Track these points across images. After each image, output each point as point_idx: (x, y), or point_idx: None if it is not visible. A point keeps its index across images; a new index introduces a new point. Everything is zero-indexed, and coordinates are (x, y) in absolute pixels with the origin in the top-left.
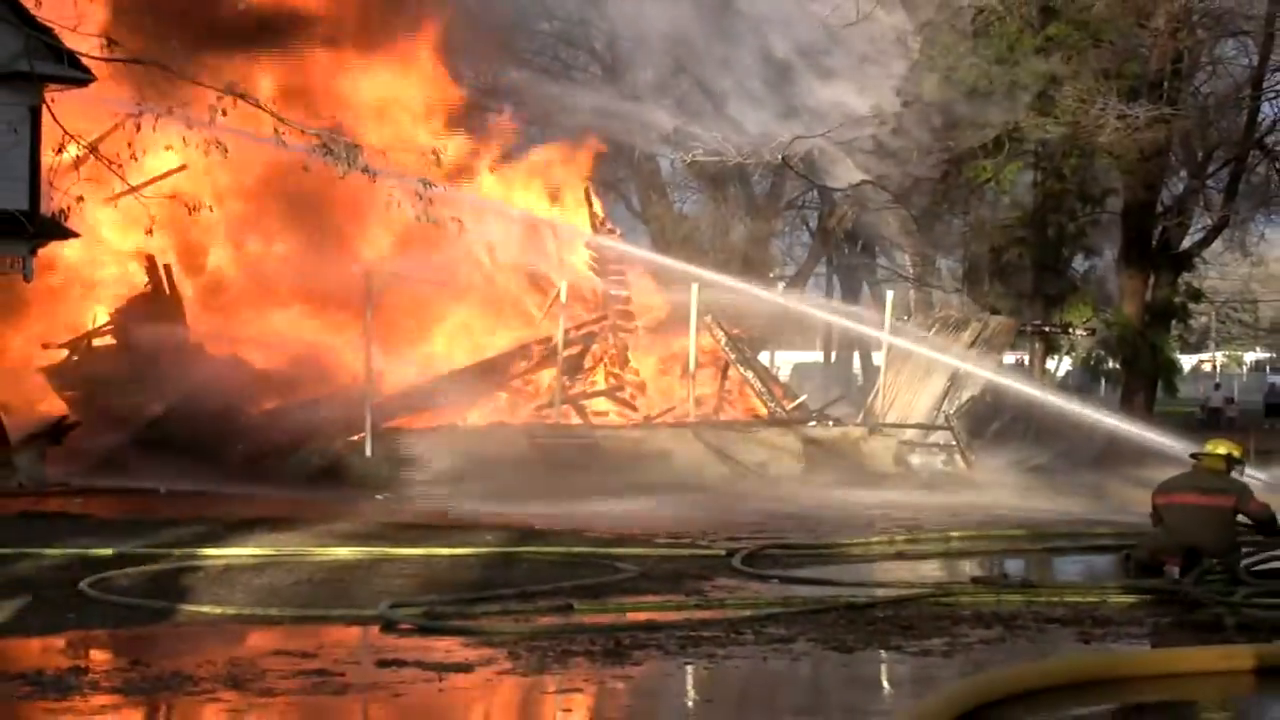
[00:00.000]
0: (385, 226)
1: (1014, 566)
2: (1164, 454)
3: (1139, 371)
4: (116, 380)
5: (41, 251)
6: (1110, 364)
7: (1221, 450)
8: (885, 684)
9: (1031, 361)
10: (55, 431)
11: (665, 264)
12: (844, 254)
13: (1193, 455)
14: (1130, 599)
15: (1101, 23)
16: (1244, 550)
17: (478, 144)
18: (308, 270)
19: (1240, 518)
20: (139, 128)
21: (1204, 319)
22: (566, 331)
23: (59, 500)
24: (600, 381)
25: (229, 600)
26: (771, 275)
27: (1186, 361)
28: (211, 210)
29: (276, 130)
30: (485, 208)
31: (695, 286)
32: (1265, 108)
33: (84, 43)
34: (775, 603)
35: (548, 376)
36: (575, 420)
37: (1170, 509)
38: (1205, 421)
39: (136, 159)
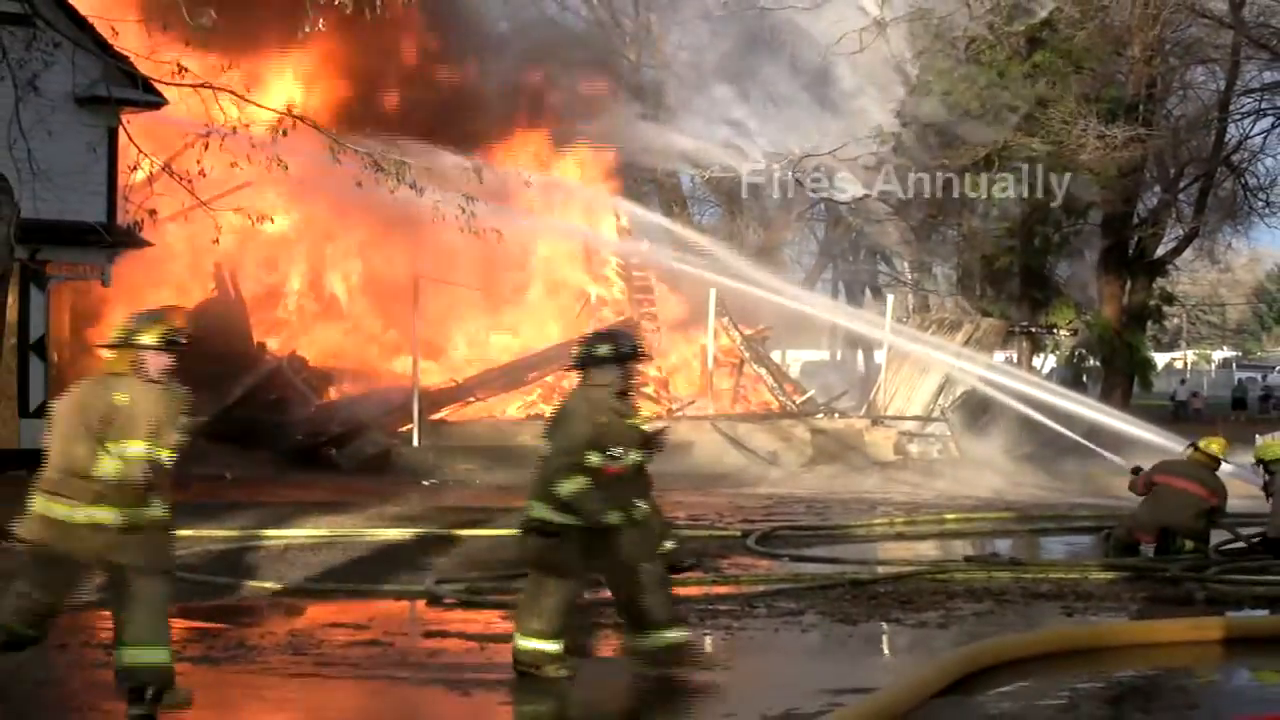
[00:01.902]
0: (434, 235)
1: (1003, 546)
2: (1142, 442)
3: (1117, 368)
4: (186, 377)
5: (118, 259)
6: (1091, 362)
7: (1214, 448)
8: (885, 652)
9: (1019, 359)
10: None
11: (686, 270)
12: (848, 261)
13: (1191, 445)
14: (1109, 575)
15: (1083, 51)
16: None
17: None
18: (365, 276)
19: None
20: (206, 146)
21: (1176, 320)
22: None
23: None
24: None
25: (289, 577)
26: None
27: (1160, 359)
28: (273, 222)
29: (332, 149)
30: (523, 220)
31: (713, 291)
32: (1231, 129)
33: (157, 69)
34: (786, 579)
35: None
36: None
37: (1164, 488)
38: (1174, 414)
39: (205, 175)
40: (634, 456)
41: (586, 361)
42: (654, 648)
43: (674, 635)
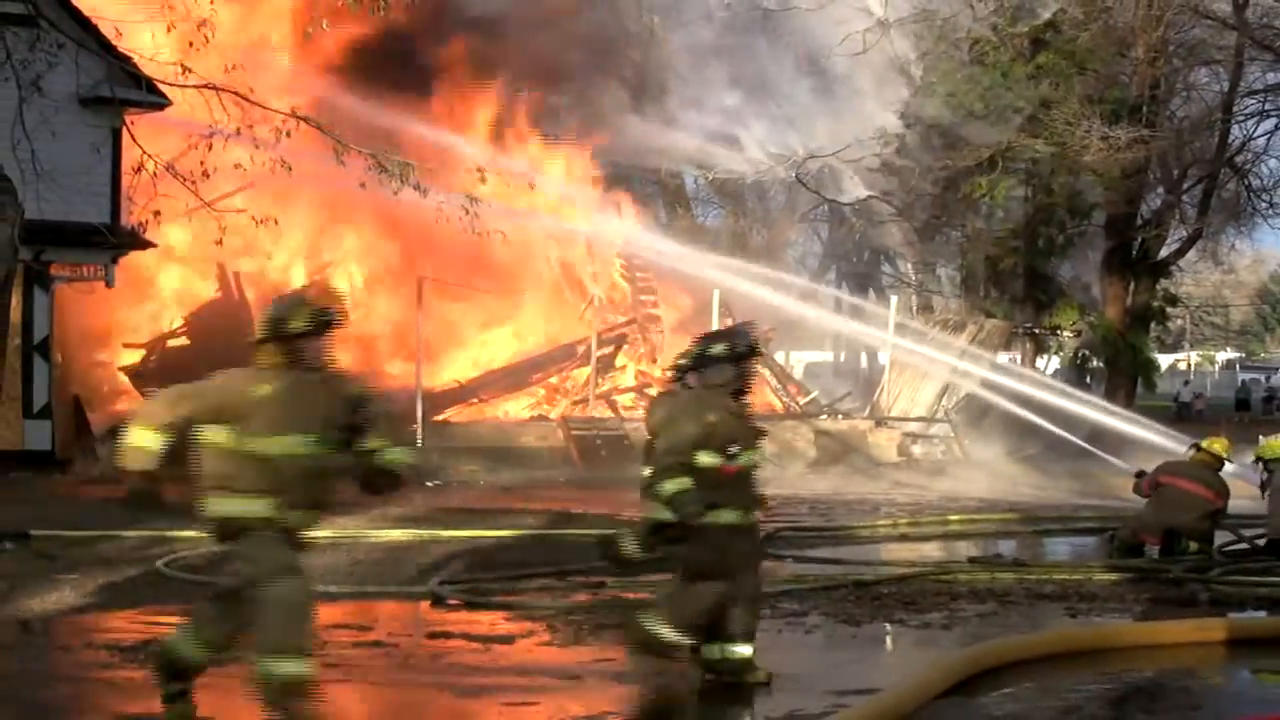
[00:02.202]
0: (440, 236)
1: (1007, 547)
2: (1148, 443)
3: (1120, 370)
4: (190, 378)
5: (121, 260)
6: (1095, 363)
7: (1217, 448)
8: (889, 653)
9: (1023, 361)
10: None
11: (689, 272)
12: (852, 262)
13: (1194, 446)
14: (1113, 576)
15: (1086, 53)
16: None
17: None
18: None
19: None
20: (210, 147)
21: (1179, 322)
22: (599, 333)
23: None
24: (630, 378)
25: None
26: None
27: (1164, 360)
28: (276, 223)
29: (336, 151)
30: (528, 221)
31: (716, 292)
32: (1235, 130)
33: (161, 70)
34: (790, 580)
35: (583, 374)
36: (607, 414)
37: (1169, 488)
38: (1177, 415)
39: (208, 176)
40: (750, 456)
41: (701, 361)
42: (721, 659)
43: (744, 651)
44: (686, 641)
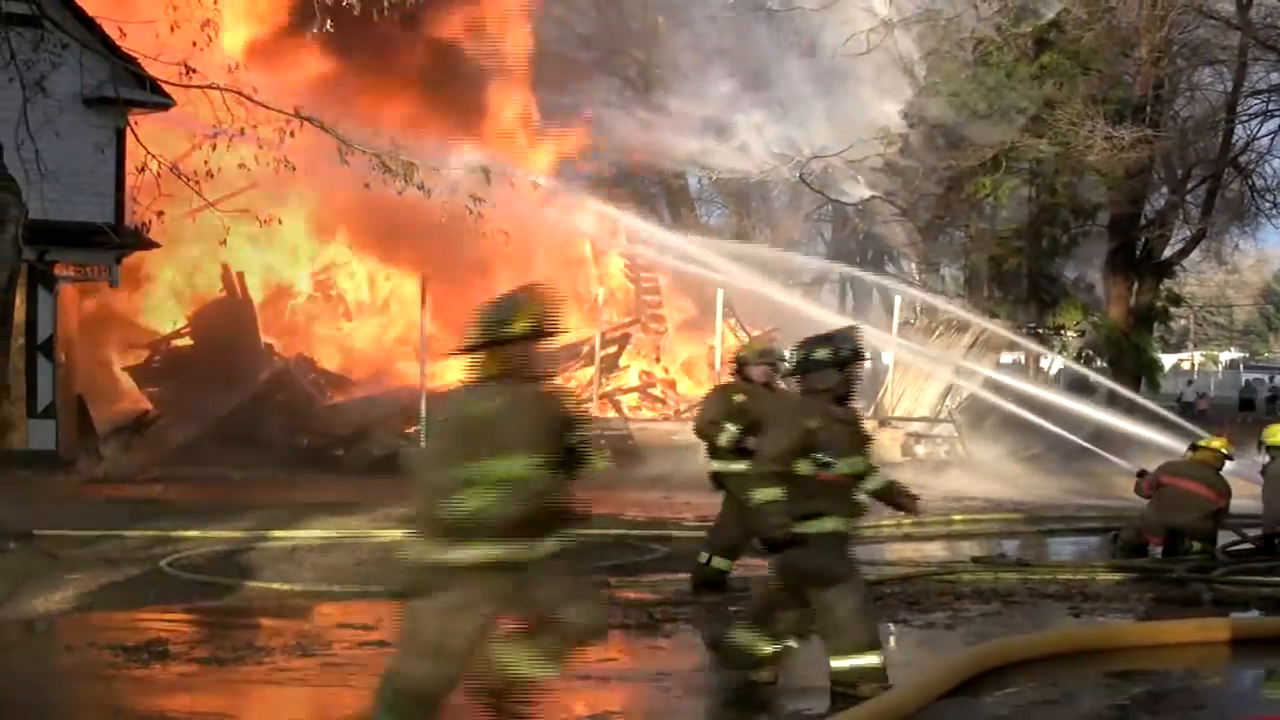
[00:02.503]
0: (442, 235)
1: (1010, 547)
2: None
3: (1124, 370)
4: (194, 378)
5: (126, 260)
6: (1098, 363)
7: (1216, 445)
8: (893, 652)
9: (1026, 361)
10: (138, 425)
11: (693, 271)
12: (856, 262)
13: (1192, 446)
14: (1117, 576)
15: (1090, 53)
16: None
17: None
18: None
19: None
20: (214, 147)
21: (1183, 322)
22: (603, 333)
23: (141, 487)
24: (634, 378)
25: (296, 578)
26: (789, 282)
27: (1167, 360)
28: (281, 223)
29: (340, 150)
30: (530, 221)
31: (720, 291)
32: (1239, 130)
33: (165, 70)
34: None
35: (587, 374)
36: (611, 414)
37: (1170, 489)
38: (1180, 414)
39: (212, 176)
40: (853, 464)
41: (804, 366)
42: (746, 647)
43: (769, 649)
44: (871, 662)
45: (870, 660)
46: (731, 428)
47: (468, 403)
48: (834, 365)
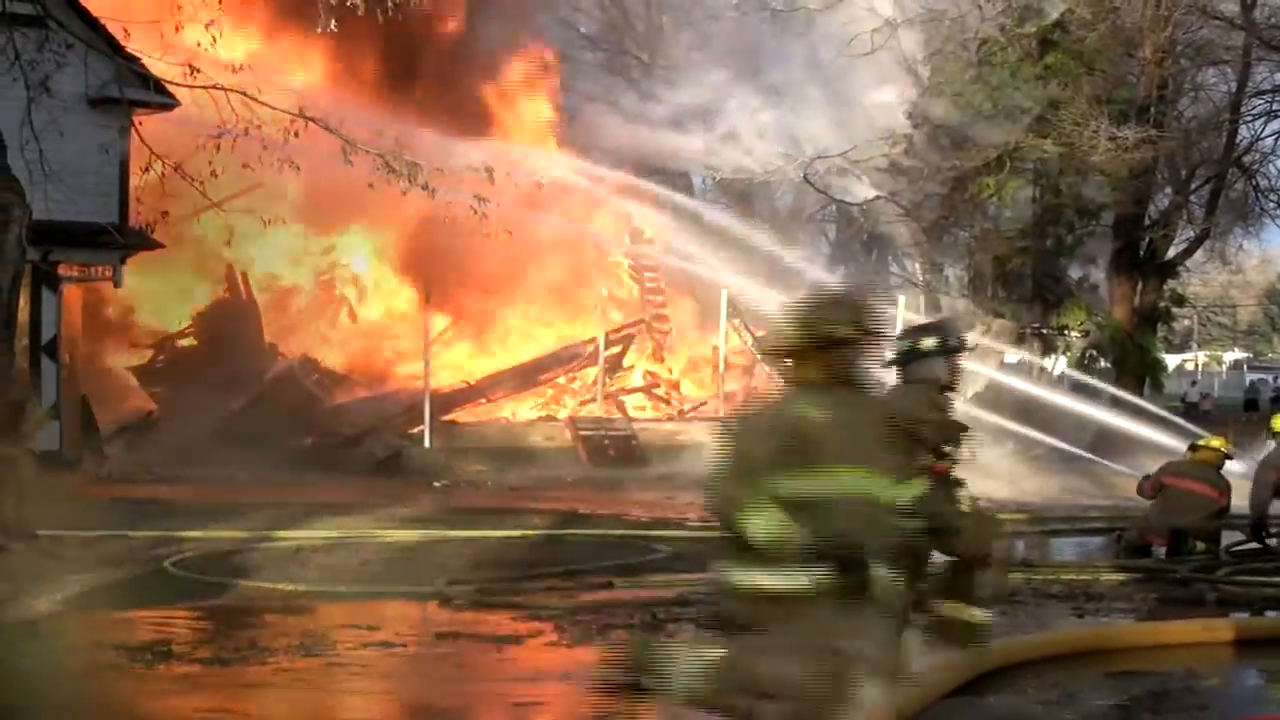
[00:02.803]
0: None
1: (1014, 547)
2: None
3: (1128, 370)
4: (198, 378)
5: (130, 260)
6: (1102, 363)
7: (1216, 444)
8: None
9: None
10: (142, 424)
11: (697, 271)
12: (860, 263)
13: (1191, 446)
14: (1120, 576)
15: (1094, 53)
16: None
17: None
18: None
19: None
20: (218, 148)
21: (1187, 322)
22: (607, 334)
23: (146, 487)
24: (638, 379)
25: (301, 578)
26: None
27: (1171, 361)
28: (285, 224)
29: (345, 151)
30: (536, 220)
31: (725, 292)
32: (1243, 130)
33: (169, 70)
34: None
35: (591, 374)
36: (615, 414)
37: (1173, 490)
38: (1184, 415)
39: (216, 176)
40: (956, 453)
41: (911, 356)
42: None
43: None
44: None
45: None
46: None
47: (789, 406)
48: (943, 354)
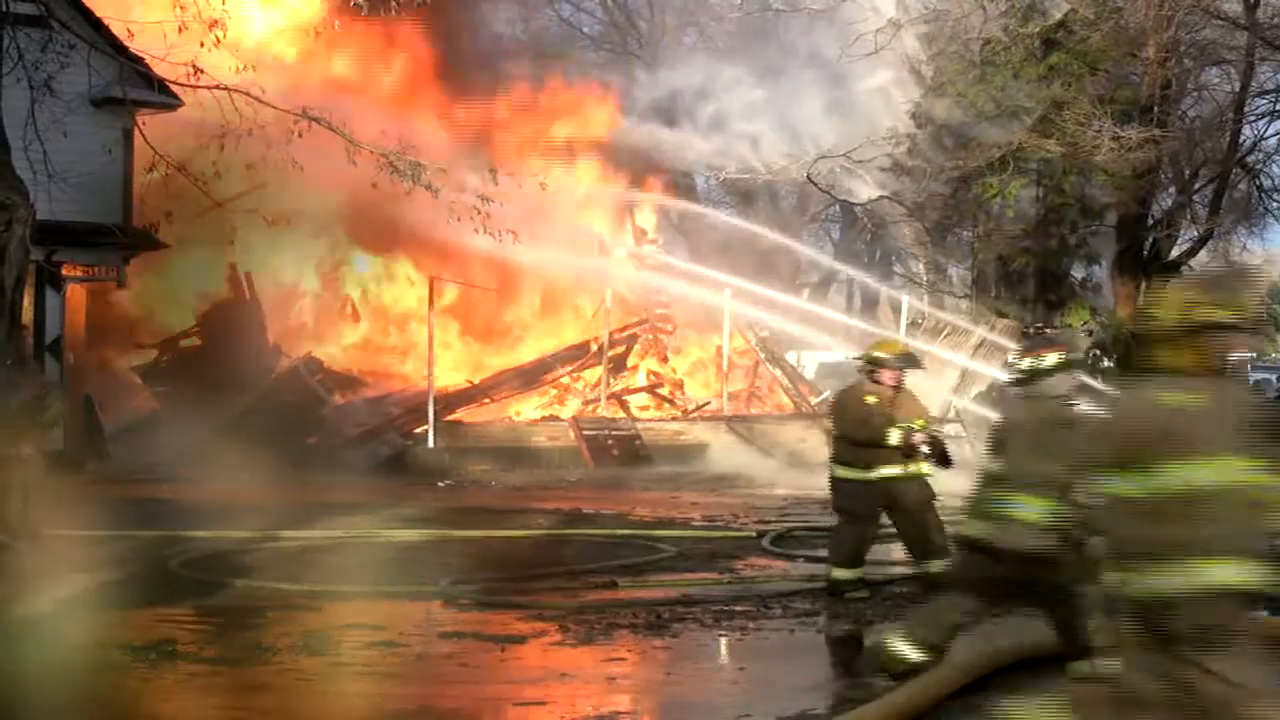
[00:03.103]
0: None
1: None
2: None
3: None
4: (202, 378)
5: (133, 261)
6: (1106, 363)
7: None
8: None
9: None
10: (146, 425)
11: (701, 272)
12: (863, 263)
13: None
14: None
15: (1098, 53)
16: None
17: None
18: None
19: None
20: (222, 148)
21: None
22: (611, 334)
23: (149, 487)
24: (642, 379)
25: (305, 578)
26: (797, 282)
27: None
28: (288, 224)
29: (348, 151)
30: (539, 221)
31: (728, 292)
32: (1246, 130)
33: (172, 71)
34: (801, 580)
35: (595, 374)
36: (619, 414)
37: None
38: None
39: (220, 176)
40: None
41: (1035, 374)
42: None
43: None
44: None
45: None
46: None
47: (1160, 393)
48: (1065, 370)
